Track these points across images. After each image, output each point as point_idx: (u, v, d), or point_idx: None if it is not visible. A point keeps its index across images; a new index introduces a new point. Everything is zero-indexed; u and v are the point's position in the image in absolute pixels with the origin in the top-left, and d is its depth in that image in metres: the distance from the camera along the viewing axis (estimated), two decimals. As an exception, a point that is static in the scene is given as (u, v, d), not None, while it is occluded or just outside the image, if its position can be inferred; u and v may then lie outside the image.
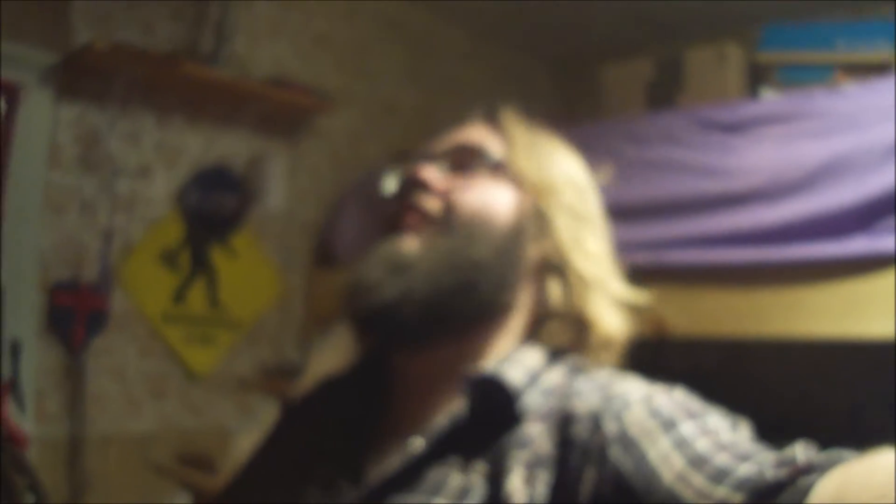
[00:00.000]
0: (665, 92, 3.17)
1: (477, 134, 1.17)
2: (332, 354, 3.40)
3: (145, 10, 3.32)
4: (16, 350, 2.79)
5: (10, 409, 2.69)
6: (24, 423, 2.73)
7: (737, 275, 2.31)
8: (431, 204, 1.09)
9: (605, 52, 4.07)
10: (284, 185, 3.67)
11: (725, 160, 2.42)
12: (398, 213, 1.10)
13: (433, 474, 0.96)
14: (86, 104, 3.13)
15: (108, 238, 3.14)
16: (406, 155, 1.20)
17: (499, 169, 1.12)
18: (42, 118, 3.01)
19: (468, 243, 1.04)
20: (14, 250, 2.90)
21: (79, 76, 3.08)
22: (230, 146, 3.58)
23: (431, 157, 1.15)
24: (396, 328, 1.02)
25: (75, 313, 3.04)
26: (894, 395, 2.26)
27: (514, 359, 1.03)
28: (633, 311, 1.13)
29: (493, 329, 1.07)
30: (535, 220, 1.10)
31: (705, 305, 2.34)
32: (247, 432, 3.20)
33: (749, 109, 2.50)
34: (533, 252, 1.09)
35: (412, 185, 1.11)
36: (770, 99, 2.68)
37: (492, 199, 1.09)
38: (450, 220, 1.06)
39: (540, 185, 1.12)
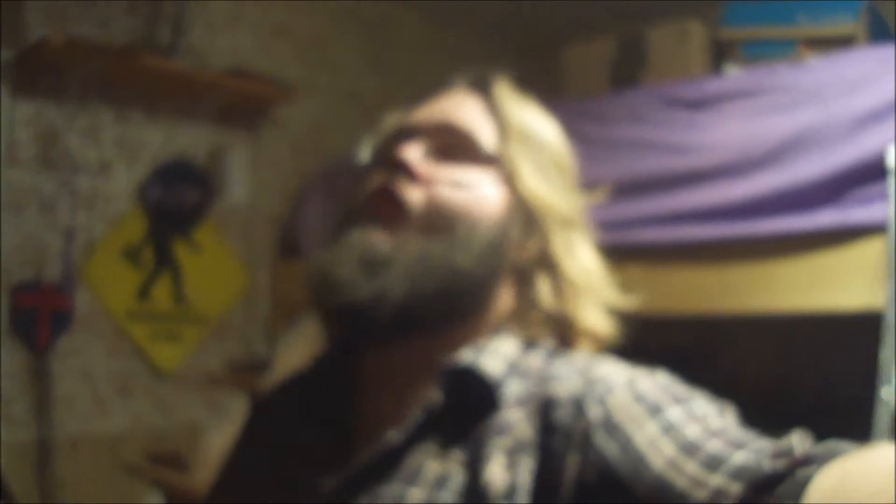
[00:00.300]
0: (628, 71, 3.16)
1: (468, 112, 1.09)
2: (300, 347, 3.38)
3: (101, 5, 3.28)
4: (-22, 353, 2.76)
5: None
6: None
7: (706, 251, 2.31)
8: (412, 194, 1.01)
9: (567, 34, 4.05)
10: (246, 177, 3.64)
11: (691, 137, 2.42)
12: (374, 197, 1.04)
13: (409, 464, 0.94)
14: (43, 101, 3.09)
15: (69, 236, 3.11)
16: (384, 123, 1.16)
17: (490, 162, 1.06)
18: (-2, 116, 2.96)
19: (449, 248, 0.99)
20: (-27, 252, 2.86)
21: (34, 72, 3.04)
22: (190, 139, 3.55)
23: (415, 134, 1.08)
24: (368, 328, 0.98)
25: (39, 314, 3.00)
26: (866, 368, 2.27)
27: (490, 348, 1.00)
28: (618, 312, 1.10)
29: (470, 325, 1.03)
30: (523, 221, 1.05)
31: (675, 283, 2.34)
32: (218, 429, 3.17)
33: (713, 86, 2.50)
34: (517, 253, 1.05)
35: (392, 167, 1.04)
36: (734, 75, 2.68)
37: (479, 199, 1.03)
38: (431, 219, 1.00)
39: (534, 194, 1.06)
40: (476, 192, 1.03)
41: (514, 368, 1.00)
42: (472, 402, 0.96)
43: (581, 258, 1.08)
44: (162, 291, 3.41)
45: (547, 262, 1.06)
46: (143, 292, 3.36)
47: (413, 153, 1.04)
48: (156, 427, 3.34)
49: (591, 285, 1.08)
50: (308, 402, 1.11)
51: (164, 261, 3.42)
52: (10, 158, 3.01)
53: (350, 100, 4.17)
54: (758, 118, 2.32)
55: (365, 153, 1.14)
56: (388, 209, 1.01)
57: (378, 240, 0.99)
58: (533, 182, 1.05)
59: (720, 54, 2.98)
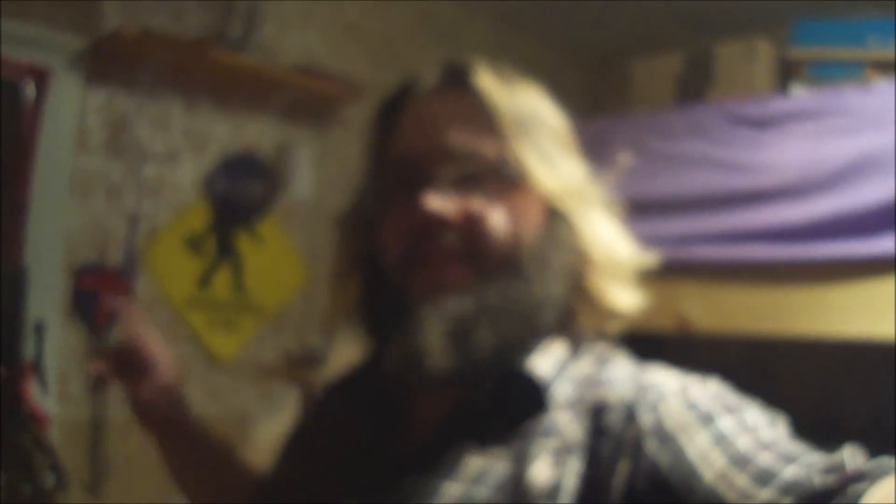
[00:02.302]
0: (694, 87, 3.14)
1: (464, 129, 1.04)
2: (354, 344, 3.41)
3: (175, -2, 3.33)
4: (40, 331, 2.80)
5: (33, 389, 2.70)
6: (46, 403, 2.75)
7: (762, 272, 2.30)
8: (454, 241, 1.00)
9: (635, 47, 4.05)
10: (311, 173, 3.67)
11: (754, 156, 2.40)
12: (423, 264, 1.01)
13: (450, 459, 0.95)
14: (114, 89, 3.14)
15: (134, 223, 3.15)
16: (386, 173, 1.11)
17: (503, 172, 1.02)
18: (70, 102, 3.02)
19: (519, 282, 0.98)
20: (40, 233, 2.92)
21: (107, 61, 3.09)
22: (257, 133, 3.59)
23: (424, 171, 1.02)
24: (458, 383, 0.98)
25: (100, 296, 3.05)
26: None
27: (540, 350, 1.01)
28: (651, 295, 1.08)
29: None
30: (556, 222, 1.04)
31: (730, 302, 2.32)
32: (268, 419, 3.21)
33: (779, 105, 2.48)
34: (568, 257, 1.04)
35: (428, 225, 1.00)
36: (800, 95, 2.66)
37: (516, 217, 1.01)
38: (486, 259, 0.99)
39: (550, 190, 1.04)
40: (510, 212, 1.01)
41: (563, 371, 1.00)
42: (522, 402, 0.96)
43: (603, 234, 1.07)
44: (222, 281, 3.44)
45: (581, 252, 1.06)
46: (204, 281, 3.39)
47: (437, 201, 1.00)
48: (208, 415, 3.32)
49: (616, 262, 1.07)
50: (363, 400, 1.12)
51: (226, 251, 3.46)
52: (81, 144, 3.05)
53: (416, 102, 4.18)
54: (822, 140, 2.30)
55: (364, 187, 1.15)
56: (445, 270, 1.00)
57: (453, 304, 0.97)
58: (545, 177, 1.03)
59: (787, 73, 2.96)
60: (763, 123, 2.44)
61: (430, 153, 1.04)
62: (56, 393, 2.91)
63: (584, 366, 1.01)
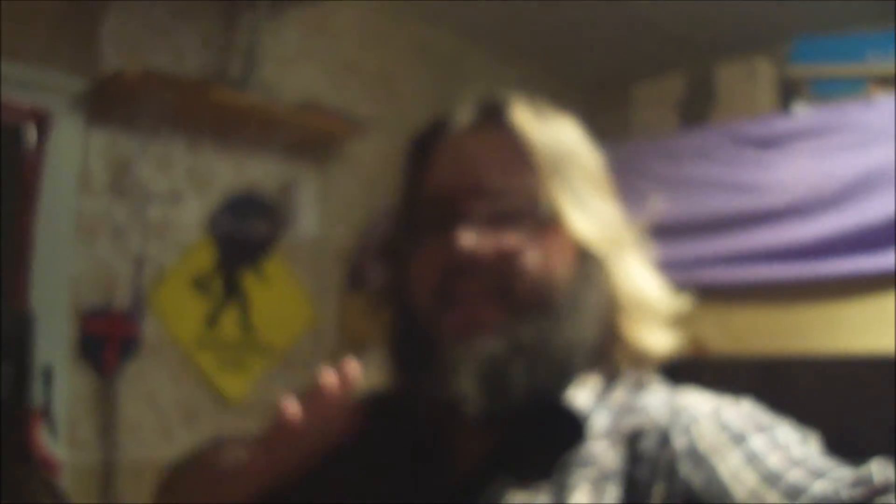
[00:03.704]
0: (697, 109, 3.15)
1: (500, 167, 1.03)
2: (367, 377, 3.39)
3: (174, 36, 3.34)
4: (48, 376, 2.79)
5: (43, 435, 2.68)
6: (57, 449, 2.73)
7: (772, 291, 2.29)
8: (486, 280, 0.98)
9: (635, 72, 4.05)
10: (315, 210, 3.67)
11: (760, 176, 2.40)
12: (454, 303, 1.00)
13: (493, 495, 0.94)
14: (116, 130, 3.14)
15: (139, 264, 3.15)
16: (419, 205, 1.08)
17: (536, 212, 1.01)
18: (72, 145, 3.02)
19: (551, 323, 0.98)
20: (46, 277, 2.91)
21: (109, 102, 3.10)
22: (261, 172, 3.59)
23: (460, 216, 1.01)
24: (492, 422, 0.98)
25: (107, 340, 3.04)
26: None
27: (577, 382, 1.00)
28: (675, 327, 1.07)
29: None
30: (588, 264, 1.03)
31: (742, 323, 2.31)
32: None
33: (782, 124, 2.48)
34: (600, 299, 1.03)
35: (460, 263, 0.99)
36: (803, 113, 2.66)
37: (549, 258, 1.00)
38: (519, 297, 0.98)
39: (583, 235, 1.02)
40: (543, 252, 1.00)
41: (600, 401, 1.00)
42: (561, 434, 0.96)
43: (635, 279, 1.06)
44: (229, 321, 3.43)
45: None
46: (211, 321, 3.38)
47: (470, 239, 0.98)
48: (219, 456, 3.34)
49: (649, 306, 1.06)
50: (393, 436, 1.10)
51: (233, 291, 3.45)
52: (84, 186, 3.05)
53: (418, 136, 4.19)
54: (827, 157, 2.30)
55: (397, 218, 1.12)
56: (476, 309, 0.99)
57: (485, 346, 0.96)
58: (578, 221, 1.01)
59: (789, 92, 2.96)
60: (767, 143, 2.44)
61: (463, 190, 1.03)
62: (65, 438, 2.89)
63: (619, 394, 1.01)
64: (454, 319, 0.99)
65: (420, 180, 1.10)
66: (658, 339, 1.05)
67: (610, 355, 1.04)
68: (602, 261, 1.04)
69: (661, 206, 1.11)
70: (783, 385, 3.12)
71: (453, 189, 1.04)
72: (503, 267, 0.98)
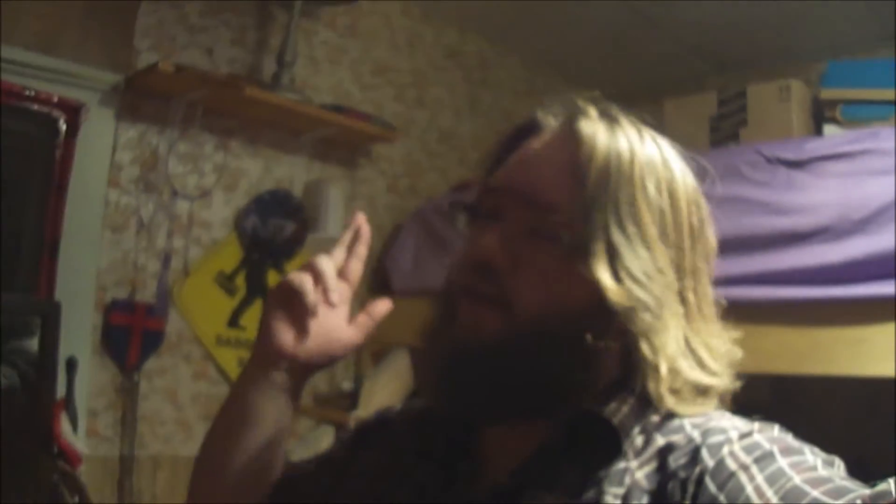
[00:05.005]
0: (728, 126, 3.14)
1: (548, 179, 0.99)
2: (389, 382, 3.40)
3: (207, 34, 3.36)
4: (71, 367, 2.80)
5: (64, 426, 2.69)
6: (76, 441, 2.74)
7: (799, 312, 2.28)
8: (488, 285, 0.97)
9: (668, 87, 4.04)
10: (342, 211, 3.67)
11: (789, 197, 2.39)
12: (460, 297, 1.00)
13: None
14: (146, 125, 3.17)
15: (165, 259, 3.16)
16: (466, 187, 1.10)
17: (568, 239, 0.95)
18: (103, 138, 3.04)
19: (534, 346, 0.95)
20: (72, 268, 2.93)
21: (140, 97, 3.12)
22: (289, 171, 3.60)
23: (495, 203, 1.02)
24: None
25: (130, 333, 3.05)
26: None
27: (612, 400, 0.99)
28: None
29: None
30: (611, 314, 0.96)
31: (769, 344, 2.30)
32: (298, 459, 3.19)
33: (813, 146, 2.47)
34: (612, 353, 0.99)
35: (475, 261, 0.99)
36: (834, 135, 2.65)
37: (561, 290, 0.96)
38: (514, 315, 0.96)
39: (614, 293, 0.94)
40: (558, 279, 0.96)
41: (636, 419, 0.99)
42: (594, 448, 0.95)
43: (667, 350, 0.97)
44: (252, 319, 3.43)
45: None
46: (234, 319, 3.39)
47: (490, 241, 0.97)
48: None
49: (678, 380, 0.98)
50: (424, 438, 1.11)
51: (257, 289, 3.46)
52: (112, 180, 3.07)
53: (446, 140, 4.21)
54: (857, 181, 2.29)
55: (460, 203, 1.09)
56: (476, 309, 0.99)
57: (474, 346, 0.97)
58: (602, 273, 0.94)
59: (820, 114, 2.95)
60: (797, 164, 2.43)
61: (511, 193, 1.01)
62: (85, 430, 2.90)
63: (654, 415, 0.99)
64: (461, 313, 1.00)
65: (486, 171, 1.10)
66: (688, 404, 0.99)
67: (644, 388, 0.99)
68: (626, 314, 0.96)
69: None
70: (799, 403, 3.12)
71: (503, 188, 1.03)
72: (508, 279, 0.97)
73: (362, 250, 1.18)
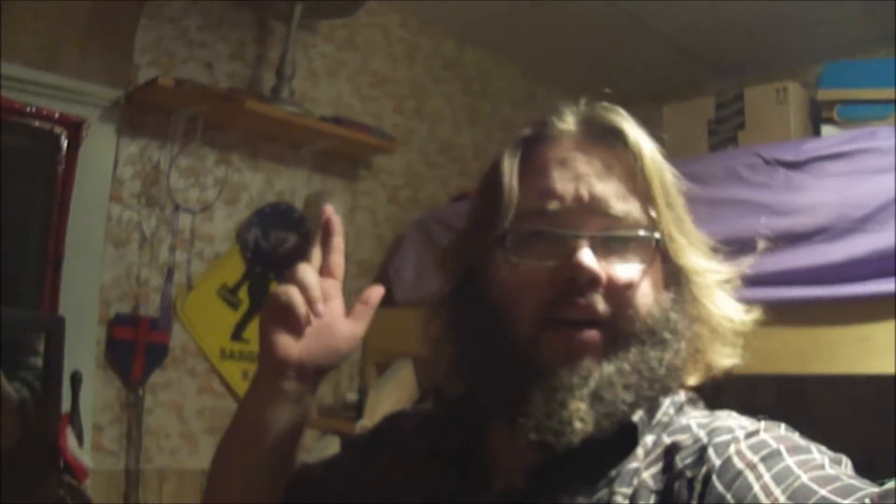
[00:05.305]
0: (726, 130, 3.15)
1: (613, 190, 1.02)
2: (393, 393, 3.40)
3: (206, 49, 3.38)
4: (76, 382, 2.80)
5: (70, 440, 2.69)
6: (82, 455, 2.74)
7: (801, 312, 2.28)
8: (599, 303, 0.98)
9: (665, 92, 4.05)
10: (343, 224, 3.67)
11: (788, 198, 2.40)
12: (563, 321, 0.99)
13: None
14: (147, 140, 3.18)
15: (168, 273, 3.17)
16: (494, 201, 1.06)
17: (651, 244, 1.02)
18: (104, 153, 3.05)
19: (651, 350, 0.99)
20: (76, 283, 2.94)
21: (141, 112, 3.13)
22: (290, 184, 3.61)
23: (568, 218, 1.01)
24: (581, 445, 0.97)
25: (134, 347, 3.06)
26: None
27: None
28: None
29: None
30: (682, 290, 1.05)
31: (772, 344, 2.30)
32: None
33: (812, 146, 2.48)
34: (693, 325, 1.05)
35: (577, 282, 0.98)
36: (832, 136, 2.66)
37: (655, 288, 1.02)
38: (624, 324, 0.99)
39: (692, 268, 1.05)
40: (650, 280, 1.02)
41: (648, 418, 1.00)
42: (607, 448, 0.96)
43: (721, 304, 1.08)
44: (256, 332, 3.42)
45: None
46: (238, 332, 3.39)
47: (592, 260, 0.97)
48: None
49: (728, 326, 1.08)
50: (433, 440, 1.12)
51: (260, 302, 3.46)
52: (114, 195, 3.08)
53: (446, 150, 4.22)
54: (855, 180, 2.29)
55: (490, 220, 1.06)
56: (584, 331, 0.98)
57: (593, 369, 0.97)
58: (687, 254, 1.04)
59: (818, 115, 2.96)
60: (796, 165, 2.44)
61: (579, 208, 1.01)
62: (90, 444, 2.90)
63: (663, 413, 1.02)
64: (559, 338, 0.98)
65: (516, 187, 1.06)
66: (727, 355, 1.08)
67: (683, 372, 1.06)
68: (695, 285, 1.05)
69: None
70: (804, 403, 3.11)
71: (567, 205, 1.02)
72: (614, 292, 0.98)
73: (338, 241, 1.20)
